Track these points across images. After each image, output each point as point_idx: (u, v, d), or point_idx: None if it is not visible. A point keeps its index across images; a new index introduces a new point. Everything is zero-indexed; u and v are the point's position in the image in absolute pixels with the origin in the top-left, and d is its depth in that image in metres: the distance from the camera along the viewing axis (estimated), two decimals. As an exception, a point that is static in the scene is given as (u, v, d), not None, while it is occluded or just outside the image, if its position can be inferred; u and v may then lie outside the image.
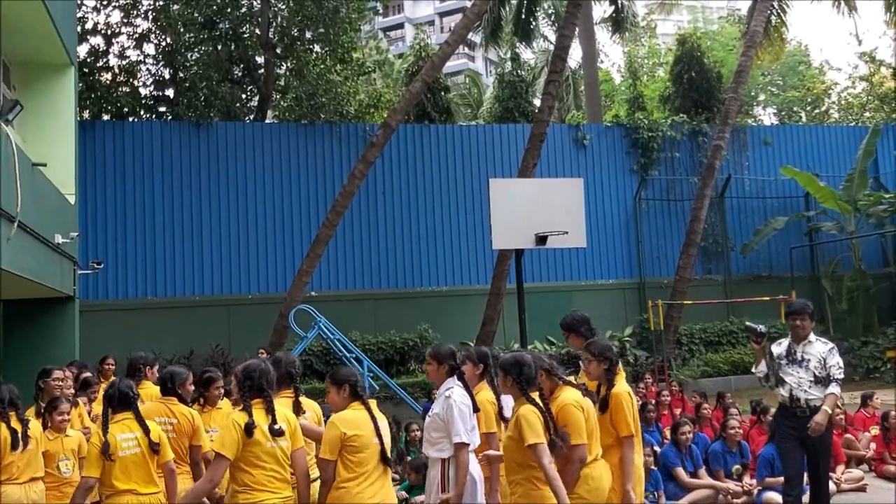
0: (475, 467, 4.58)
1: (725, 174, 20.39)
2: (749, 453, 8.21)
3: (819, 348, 6.26)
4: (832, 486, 7.92)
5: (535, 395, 4.39)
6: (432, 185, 18.96)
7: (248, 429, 4.24)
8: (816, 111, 32.56)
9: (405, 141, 18.86)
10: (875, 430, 9.26)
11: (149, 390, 6.65)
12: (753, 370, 6.63)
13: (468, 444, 4.43)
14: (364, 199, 17.93)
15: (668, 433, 9.07)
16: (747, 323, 6.46)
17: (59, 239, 9.25)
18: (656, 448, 8.19)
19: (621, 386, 4.73)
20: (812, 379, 6.18)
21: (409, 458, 7.64)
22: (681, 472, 7.68)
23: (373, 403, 4.69)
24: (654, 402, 11.40)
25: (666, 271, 19.76)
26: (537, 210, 13.68)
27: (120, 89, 18.76)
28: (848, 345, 19.19)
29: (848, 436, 9.40)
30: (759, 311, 19.33)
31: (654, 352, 18.06)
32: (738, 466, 8.02)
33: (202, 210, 17.44)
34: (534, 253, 17.65)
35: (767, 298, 18.28)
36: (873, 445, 9.09)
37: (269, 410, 4.40)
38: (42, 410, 5.89)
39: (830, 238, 20.64)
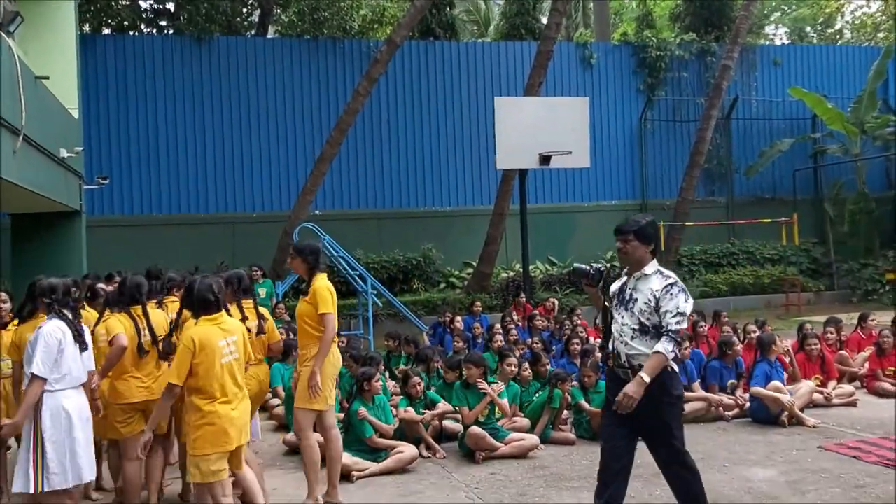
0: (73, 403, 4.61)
1: (733, 95, 20.15)
2: (744, 369, 8.42)
3: (654, 284, 4.36)
4: (821, 398, 8.17)
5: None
6: (437, 104, 18.78)
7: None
8: (829, 30, 31.88)
9: (409, 58, 18.59)
10: (870, 350, 9.44)
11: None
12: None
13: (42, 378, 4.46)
14: (368, 117, 17.80)
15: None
16: (575, 265, 4.73)
17: (63, 153, 9.29)
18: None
19: (320, 283, 5.46)
20: (636, 326, 4.35)
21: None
22: (675, 385, 7.88)
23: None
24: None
25: (669, 193, 19.76)
26: (542, 129, 13.64)
27: (120, 2, 18.42)
28: (848, 267, 19.38)
29: (842, 352, 9.61)
30: (761, 232, 19.46)
31: (654, 273, 18.21)
32: (732, 381, 8.25)
33: (205, 127, 17.36)
34: (537, 174, 17.63)
35: (769, 221, 18.35)
36: (867, 365, 9.27)
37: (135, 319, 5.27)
38: None
39: (835, 160, 20.55)
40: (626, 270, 4.55)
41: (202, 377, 4.42)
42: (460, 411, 6.97)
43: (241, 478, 4.93)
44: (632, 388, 4.20)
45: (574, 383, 7.49)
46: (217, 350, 4.47)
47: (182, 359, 4.41)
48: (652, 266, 4.42)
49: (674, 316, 4.25)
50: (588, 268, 4.64)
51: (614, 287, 4.62)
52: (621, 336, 4.42)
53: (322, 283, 5.47)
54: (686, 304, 4.29)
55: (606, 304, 4.62)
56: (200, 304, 4.57)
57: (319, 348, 5.37)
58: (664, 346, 4.21)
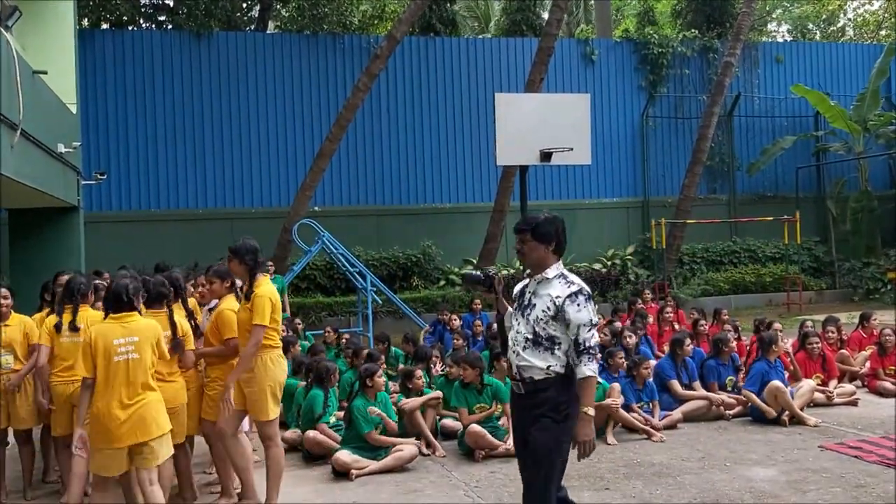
0: None
1: (735, 92, 20.09)
2: (740, 362, 8.41)
3: (554, 290, 3.85)
4: (822, 397, 8.13)
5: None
6: (437, 100, 18.72)
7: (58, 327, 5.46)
8: (832, 28, 31.80)
9: (409, 54, 18.53)
10: (871, 349, 9.40)
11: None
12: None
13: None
14: (368, 114, 17.75)
15: (665, 347, 9.27)
16: (463, 272, 4.41)
17: (61, 148, 9.25)
18: (651, 361, 8.35)
19: (263, 289, 5.12)
20: (530, 336, 3.86)
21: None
22: (675, 384, 7.85)
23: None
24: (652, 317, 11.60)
25: (671, 190, 19.71)
26: (543, 126, 13.56)
27: (118, -3, 18.37)
28: (850, 265, 19.33)
29: (843, 351, 9.57)
30: (763, 230, 19.41)
31: (655, 270, 18.20)
32: (731, 378, 8.21)
33: (204, 122, 17.31)
34: (538, 170, 17.58)
35: (771, 219, 18.30)
36: (868, 364, 9.23)
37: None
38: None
39: (838, 158, 20.49)
40: (527, 272, 4.10)
41: (97, 373, 4.55)
42: (459, 412, 6.93)
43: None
44: (583, 432, 3.75)
45: None
46: (111, 348, 4.53)
47: (84, 353, 4.59)
48: (555, 269, 3.92)
49: (588, 330, 3.79)
50: (478, 273, 4.19)
51: (516, 289, 4.15)
52: (514, 345, 3.94)
53: (263, 289, 5.11)
54: (594, 314, 3.86)
55: (511, 308, 4.16)
56: (111, 301, 4.67)
57: (238, 362, 5.06)
58: (590, 367, 3.76)
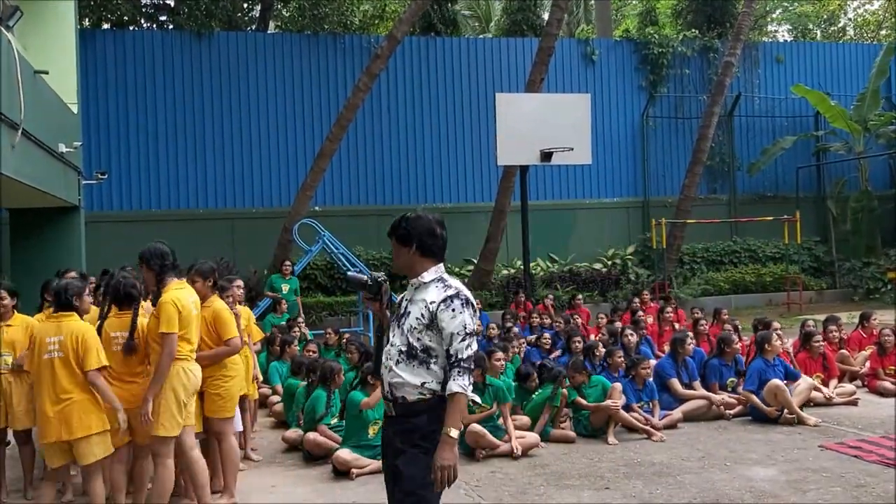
0: None
1: (735, 92, 20.09)
2: (744, 366, 8.39)
3: (430, 295, 3.40)
4: (822, 397, 8.13)
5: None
6: (437, 100, 18.72)
7: None
8: (832, 28, 31.80)
9: (410, 54, 18.52)
10: (871, 349, 9.40)
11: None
12: None
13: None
14: (368, 113, 17.74)
15: (665, 347, 9.28)
16: (348, 273, 3.63)
17: (62, 148, 9.25)
18: (651, 361, 8.36)
19: (169, 295, 4.88)
20: (403, 348, 3.40)
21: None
22: (675, 383, 7.86)
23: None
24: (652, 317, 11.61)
25: (671, 190, 19.70)
26: (543, 126, 13.61)
27: (119, -3, 18.37)
28: (850, 265, 19.33)
29: (843, 351, 9.58)
30: (763, 230, 19.41)
31: (655, 270, 18.20)
32: (732, 379, 8.22)
33: (205, 123, 17.31)
34: (538, 170, 17.58)
35: (771, 218, 18.29)
36: (868, 364, 9.24)
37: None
38: None
39: (838, 158, 20.48)
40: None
41: (32, 368, 4.79)
42: None
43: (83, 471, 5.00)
44: (441, 456, 3.23)
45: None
46: (43, 345, 4.71)
47: (30, 348, 4.89)
48: (433, 272, 3.44)
49: (462, 339, 3.27)
50: (364, 277, 3.63)
51: (397, 299, 3.73)
52: (387, 359, 3.44)
53: (168, 295, 4.83)
54: (473, 321, 3.32)
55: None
56: (53, 299, 4.91)
57: (154, 373, 4.83)
58: (460, 383, 3.23)
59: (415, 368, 3.35)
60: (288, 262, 12.95)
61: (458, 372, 3.25)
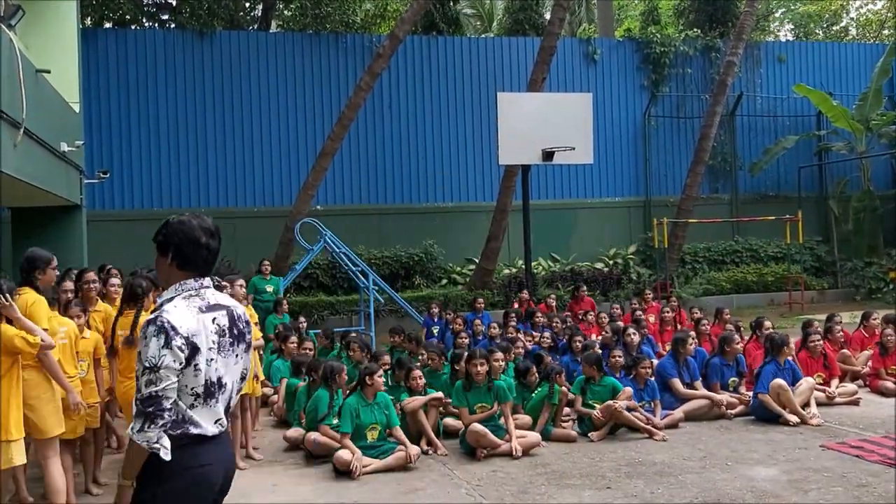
0: None
1: (737, 92, 20.08)
2: (745, 367, 8.39)
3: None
4: (823, 397, 8.11)
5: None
6: (439, 99, 18.73)
7: None
8: (834, 27, 31.76)
9: (412, 53, 18.53)
10: (872, 349, 9.39)
11: None
12: None
13: None
14: (370, 113, 17.74)
15: (667, 346, 9.26)
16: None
17: (64, 147, 9.26)
18: (653, 360, 8.35)
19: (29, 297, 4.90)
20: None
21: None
22: (677, 382, 7.85)
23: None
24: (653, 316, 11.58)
25: (672, 190, 19.69)
26: (545, 125, 13.61)
27: (121, -5, 18.40)
28: (852, 265, 19.31)
29: (845, 351, 9.57)
30: (765, 230, 19.39)
31: (657, 270, 18.19)
32: (734, 378, 8.20)
33: (206, 121, 17.32)
34: (540, 170, 17.58)
35: (773, 218, 18.27)
36: (870, 364, 9.22)
37: None
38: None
39: (840, 158, 20.46)
40: None
41: None
42: (460, 412, 6.94)
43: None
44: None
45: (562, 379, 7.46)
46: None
47: None
48: (173, 289, 2.83)
49: (142, 374, 2.63)
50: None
51: None
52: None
53: (22, 299, 4.84)
54: (163, 354, 2.62)
55: None
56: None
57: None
58: (133, 427, 2.62)
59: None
60: (267, 262, 12.86)
61: (136, 413, 2.62)
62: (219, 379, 2.77)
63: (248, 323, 2.95)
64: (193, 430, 2.70)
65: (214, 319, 2.79)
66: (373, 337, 13.16)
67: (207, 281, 2.88)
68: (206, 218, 2.97)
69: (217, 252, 2.93)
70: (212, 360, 2.75)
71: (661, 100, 20.02)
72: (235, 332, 2.86)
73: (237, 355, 2.87)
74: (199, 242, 2.88)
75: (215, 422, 2.77)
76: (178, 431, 2.67)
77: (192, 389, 2.70)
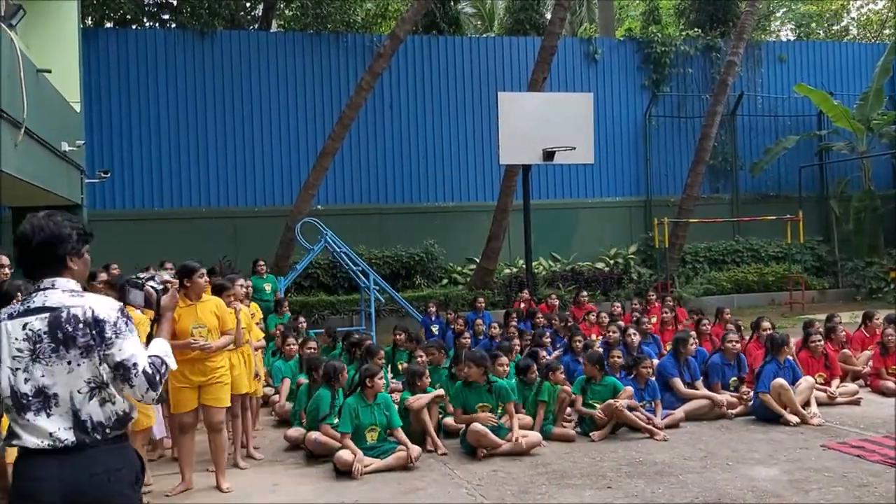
0: None
1: (738, 91, 20.08)
2: (746, 366, 8.38)
3: None
4: (824, 396, 8.11)
5: None
6: (440, 99, 18.72)
7: None
8: (835, 27, 31.74)
9: (413, 53, 18.52)
10: (873, 349, 9.39)
11: None
12: None
13: None
14: (371, 112, 17.75)
15: (667, 346, 9.26)
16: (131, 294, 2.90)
17: (65, 146, 9.26)
18: (654, 360, 8.35)
19: None
20: None
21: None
22: (678, 382, 7.85)
23: None
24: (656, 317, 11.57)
25: (673, 189, 19.69)
26: (546, 125, 13.62)
27: (122, -5, 18.40)
28: (852, 265, 19.31)
29: (845, 351, 9.56)
30: (765, 230, 19.39)
31: (658, 269, 18.19)
32: (734, 378, 8.20)
33: (207, 121, 17.33)
34: (540, 170, 17.58)
35: (774, 218, 18.27)
36: (871, 363, 9.22)
37: None
38: None
39: (841, 158, 20.46)
40: None
41: None
42: (454, 411, 6.95)
43: None
44: None
45: (562, 376, 7.46)
46: None
47: None
48: (52, 283, 2.64)
49: None
50: (154, 291, 2.94)
51: None
52: None
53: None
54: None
55: None
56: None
57: None
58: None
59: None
60: (262, 262, 12.89)
61: None
62: (39, 389, 2.54)
63: (95, 323, 2.57)
64: (18, 442, 2.57)
65: (25, 325, 2.56)
66: (373, 337, 13.16)
67: (49, 282, 2.64)
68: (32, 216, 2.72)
69: (29, 249, 2.65)
70: (18, 369, 2.55)
71: (661, 99, 20.02)
72: (60, 336, 2.55)
73: (69, 361, 2.55)
74: (28, 245, 2.65)
75: (49, 434, 2.53)
76: (13, 441, 2.58)
77: (3, 399, 2.58)
